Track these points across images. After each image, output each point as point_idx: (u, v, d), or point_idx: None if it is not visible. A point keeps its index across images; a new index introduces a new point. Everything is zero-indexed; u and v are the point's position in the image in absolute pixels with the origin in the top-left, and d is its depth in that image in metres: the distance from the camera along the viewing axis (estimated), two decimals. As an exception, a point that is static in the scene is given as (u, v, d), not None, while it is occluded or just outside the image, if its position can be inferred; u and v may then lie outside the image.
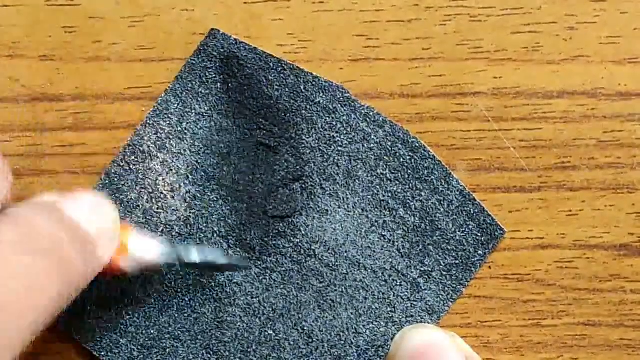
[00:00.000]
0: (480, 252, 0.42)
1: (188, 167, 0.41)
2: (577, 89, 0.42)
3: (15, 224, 0.33)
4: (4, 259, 0.32)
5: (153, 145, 0.41)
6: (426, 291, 0.41)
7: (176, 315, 0.41)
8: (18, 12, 0.41)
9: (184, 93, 0.41)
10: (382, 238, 0.41)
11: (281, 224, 0.41)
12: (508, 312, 0.42)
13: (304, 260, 0.41)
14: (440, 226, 0.41)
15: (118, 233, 0.37)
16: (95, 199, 0.37)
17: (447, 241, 0.41)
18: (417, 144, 0.41)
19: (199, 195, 0.41)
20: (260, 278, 0.41)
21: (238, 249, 0.41)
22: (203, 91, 0.41)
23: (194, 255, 0.40)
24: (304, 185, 0.41)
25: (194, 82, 0.41)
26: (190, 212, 0.41)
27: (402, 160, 0.41)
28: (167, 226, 0.41)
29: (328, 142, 0.41)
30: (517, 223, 0.42)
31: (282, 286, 0.41)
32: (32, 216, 0.34)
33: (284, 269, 0.41)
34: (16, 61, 0.41)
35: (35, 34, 0.41)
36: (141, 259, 0.38)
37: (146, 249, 0.39)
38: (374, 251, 0.41)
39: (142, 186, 0.41)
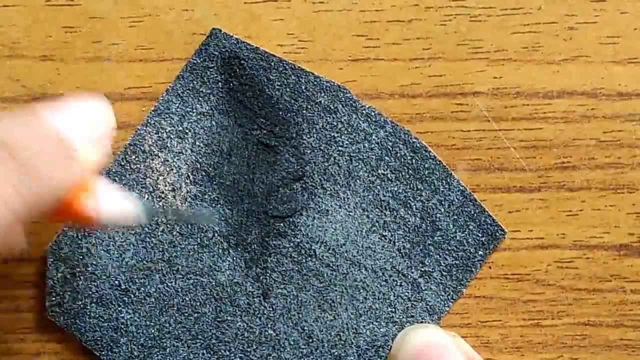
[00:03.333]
0: (480, 252, 0.42)
1: (189, 166, 0.41)
2: (577, 89, 0.42)
3: None
4: None
5: (154, 145, 0.41)
6: (426, 291, 0.41)
7: (176, 314, 0.41)
8: (18, 12, 0.41)
9: (185, 92, 0.41)
10: (383, 238, 0.41)
11: (282, 224, 0.41)
12: (508, 312, 0.42)
13: (304, 260, 0.41)
14: (440, 226, 0.41)
15: (108, 140, 0.37)
16: (87, 106, 0.36)
17: (447, 241, 0.41)
18: (418, 144, 0.41)
19: (199, 194, 0.41)
20: (261, 278, 0.41)
21: (239, 249, 0.41)
22: (204, 91, 0.41)
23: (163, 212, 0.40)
24: (304, 185, 0.41)
25: (195, 82, 0.41)
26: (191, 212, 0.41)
27: (403, 160, 0.41)
28: (169, 225, 0.41)
29: (329, 142, 0.41)
30: (517, 223, 0.42)
31: (282, 286, 0.41)
32: (7, 124, 0.33)
33: (284, 268, 0.41)
34: (16, 61, 0.41)
35: (35, 34, 0.41)
36: (111, 205, 0.38)
37: (116, 198, 0.38)
38: (375, 251, 0.41)
39: (143, 185, 0.41)
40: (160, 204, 0.41)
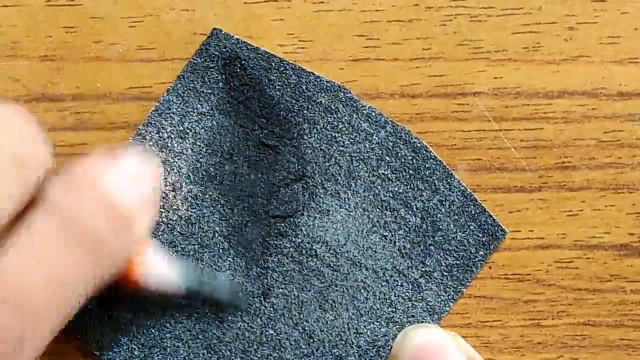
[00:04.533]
0: (481, 252, 0.42)
1: (189, 166, 0.41)
2: (577, 89, 0.42)
3: (53, 214, 0.33)
4: (40, 253, 0.33)
5: (155, 145, 0.41)
6: (427, 291, 0.41)
7: (177, 314, 0.41)
8: (18, 12, 0.41)
9: (186, 92, 0.41)
10: (384, 238, 0.41)
11: (282, 224, 0.41)
12: (508, 312, 0.42)
13: (305, 260, 0.41)
14: (441, 226, 0.41)
15: (157, 202, 0.38)
16: (137, 162, 0.37)
17: (448, 241, 0.41)
18: (418, 144, 0.41)
19: (200, 194, 0.41)
20: (261, 278, 0.41)
21: (239, 248, 0.41)
22: (205, 91, 0.41)
23: (217, 286, 0.40)
24: (305, 185, 0.41)
25: (195, 82, 0.41)
26: (191, 212, 0.41)
27: (403, 160, 0.41)
28: (169, 225, 0.41)
29: (329, 142, 0.41)
30: (517, 223, 0.42)
31: (283, 286, 0.41)
32: (71, 204, 0.34)
33: (285, 268, 0.41)
34: (16, 61, 0.41)
35: (35, 34, 0.41)
36: (159, 274, 0.38)
37: (165, 266, 0.39)
38: (375, 251, 0.41)
39: (144, 186, 0.41)
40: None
